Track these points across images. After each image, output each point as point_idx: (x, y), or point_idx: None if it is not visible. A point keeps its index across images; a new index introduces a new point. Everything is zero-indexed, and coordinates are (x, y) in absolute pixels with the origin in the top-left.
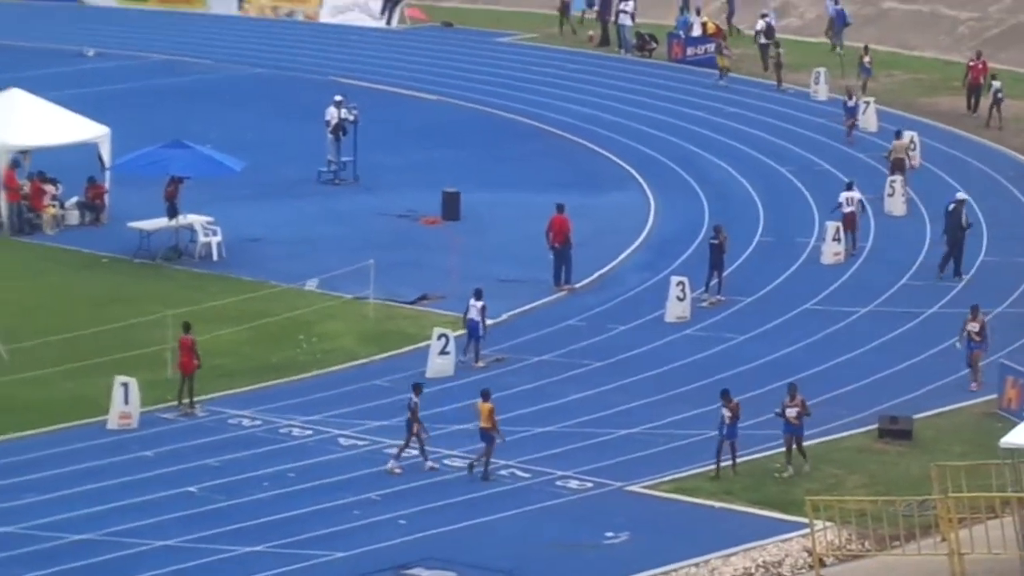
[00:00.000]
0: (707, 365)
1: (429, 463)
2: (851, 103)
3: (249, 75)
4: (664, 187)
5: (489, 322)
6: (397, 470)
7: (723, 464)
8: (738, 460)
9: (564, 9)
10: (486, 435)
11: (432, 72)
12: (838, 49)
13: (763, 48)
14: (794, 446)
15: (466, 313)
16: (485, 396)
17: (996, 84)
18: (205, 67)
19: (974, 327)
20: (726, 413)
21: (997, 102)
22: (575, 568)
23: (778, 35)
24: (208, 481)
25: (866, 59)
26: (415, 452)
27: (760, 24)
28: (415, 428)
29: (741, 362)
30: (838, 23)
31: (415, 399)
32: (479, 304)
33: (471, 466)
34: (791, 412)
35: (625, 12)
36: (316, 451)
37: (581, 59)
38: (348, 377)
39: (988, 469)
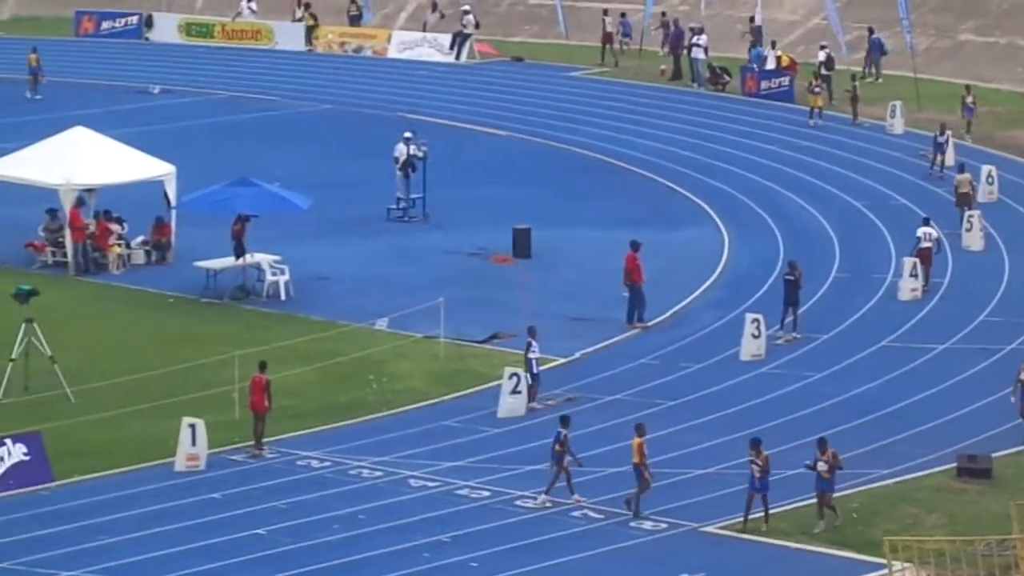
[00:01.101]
0: (782, 403)
1: (575, 497)
2: (941, 139)
3: (317, 112)
4: (738, 223)
5: (560, 361)
6: (548, 504)
7: (752, 516)
8: (771, 512)
9: (607, 40)
10: (637, 470)
11: (502, 107)
12: (867, 78)
13: (825, 80)
14: (826, 503)
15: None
16: (639, 431)
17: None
18: (272, 104)
19: None
20: (755, 466)
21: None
22: None
23: (854, 68)
24: (276, 523)
25: (968, 98)
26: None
27: (821, 56)
28: (565, 461)
29: (817, 400)
30: (875, 52)
31: (564, 432)
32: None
33: (628, 503)
34: (822, 466)
35: (698, 46)
36: (386, 492)
37: (653, 93)
38: (418, 417)
39: None
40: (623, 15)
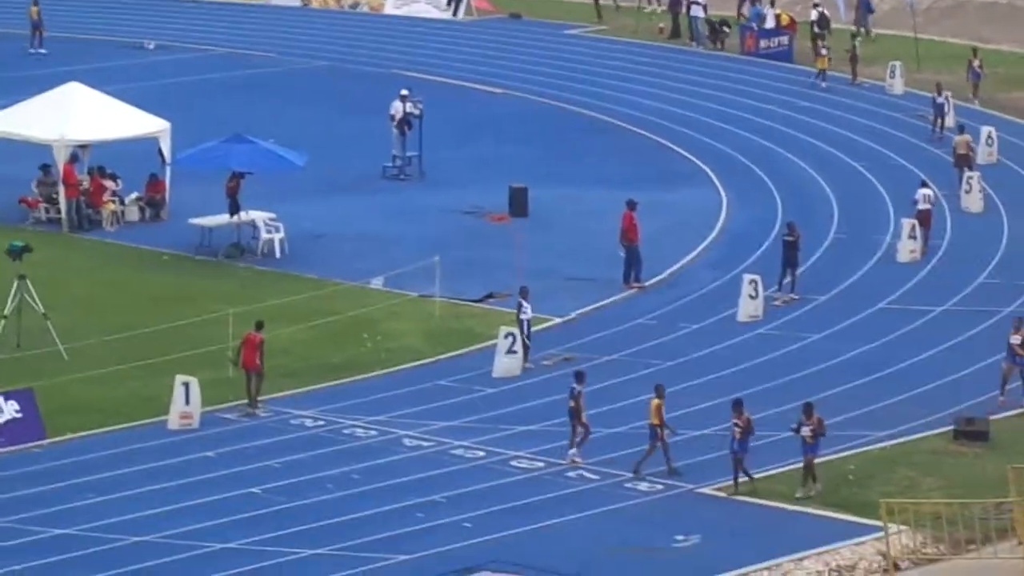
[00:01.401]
0: (780, 365)
1: (573, 451)
2: (940, 99)
3: (312, 68)
4: (736, 183)
5: (556, 320)
6: (578, 459)
7: (741, 480)
8: (754, 476)
9: None
10: (654, 431)
11: (499, 65)
12: (859, 37)
13: (816, 38)
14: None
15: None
16: (658, 392)
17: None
18: (267, 60)
19: (1016, 340)
20: (737, 428)
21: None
22: (645, 572)
23: (854, 28)
24: (271, 482)
25: (976, 62)
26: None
27: (813, 14)
28: (583, 416)
29: (815, 361)
30: (863, 10)
31: (578, 387)
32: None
33: (636, 472)
34: (806, 431)
35: (697, 3)
36: (380, 452)
37: (651, 51)
38: (413, 377)
39: None
40: None
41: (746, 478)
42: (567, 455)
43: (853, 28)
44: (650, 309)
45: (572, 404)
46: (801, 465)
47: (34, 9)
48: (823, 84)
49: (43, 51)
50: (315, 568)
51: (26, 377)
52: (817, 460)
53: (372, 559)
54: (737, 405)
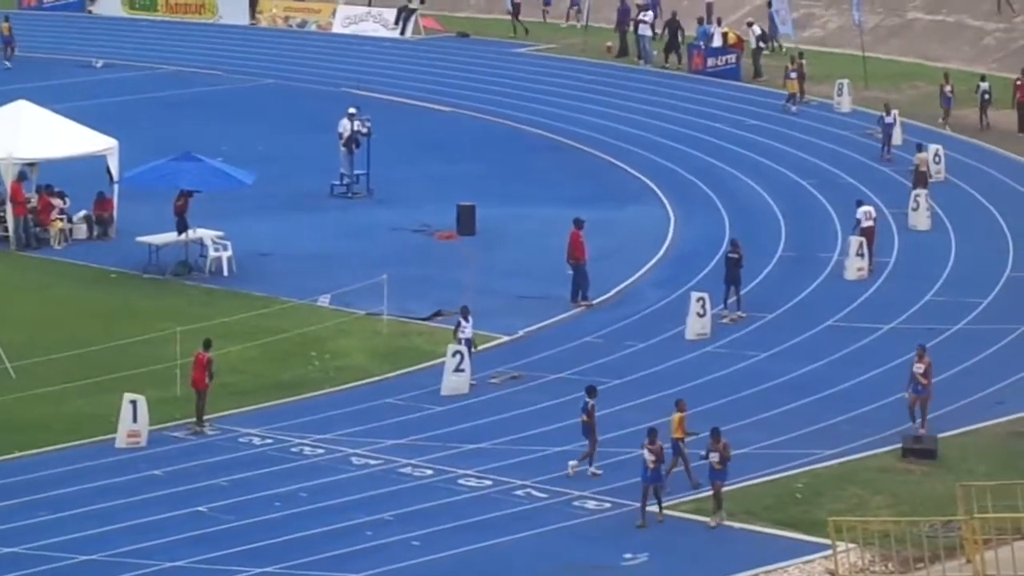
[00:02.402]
0: (728, 383)
1: (592, 469)
2: (888, 119)
3: (260, 86)
4: (684, 201)
5: (504, 339)
6: (596, 471)
7: (649, 508)
8: (663, 506)
9: (515, 11)
10: (676, 445)
11: (447, 83)
12: (766, 51)
13: (759, 53)
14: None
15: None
16: (678, 406)
17: (984, 86)
18: (215, 78)
19: (919, 368)
20: (648, 456)
21: (984, 104)
22: None
23: (800, 46)
24: (218, 501)
25: (947, 87)
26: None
27: (756, 30)
28: (594, 432)
29: (763, 380)
30: (772, 25)
31: (591, 401)
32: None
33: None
34: (714, 457)
35: (644, 22)
36: (328, 470)
37: (599, 70)
38: (361, 395)
39: (1014, 489)
40: None
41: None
42: (587, 471)
43: (804, 47)
44: (598, 327)
45: (585, 419)
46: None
47: (5, 25)
48: (793, 108)
49: (8, 64)
50: None
51: None
52: (770, 478)
53: None
54: (651, 433)
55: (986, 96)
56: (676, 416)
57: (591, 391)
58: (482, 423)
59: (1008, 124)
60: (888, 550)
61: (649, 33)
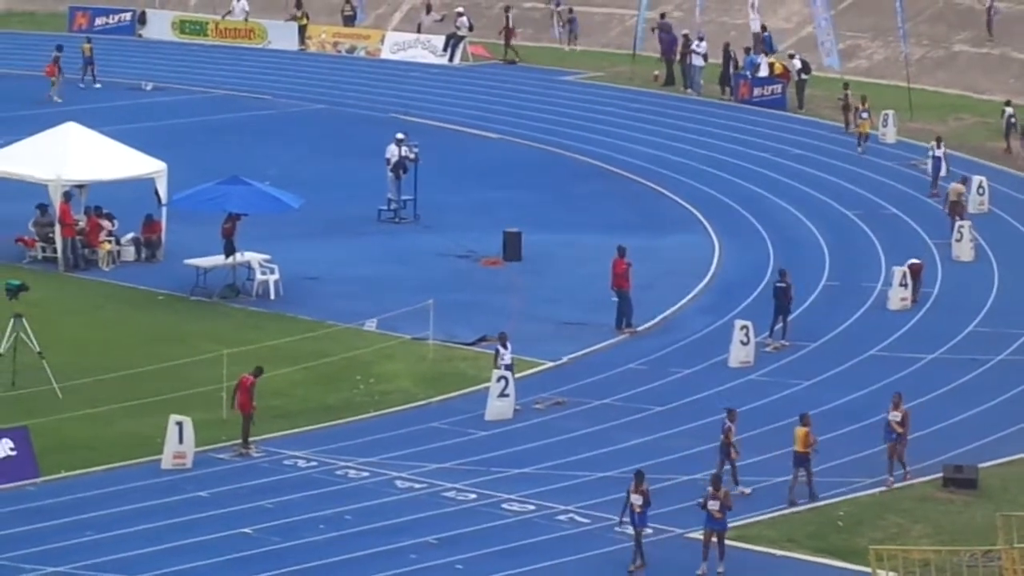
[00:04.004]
0: (770, 411)
1: (740, 488)
2: (938, 152)
3: (309, 111)
4: (729, 230)
5: (549, 364)
6: (747, 491)
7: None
8: (644, 553)
9: (508, 34)
10: (801, 459)
11: (495, 110)
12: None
13: (802, 85)
14: (715, 540)
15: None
16: (803, 420)
17: (1009, 111)
18: (264, 103)
19: (895, 416)
20: (635, 499)
21: (1009, 129)
22: None
23: (846, 77)
24: (263, 523)
25: (1008, 110)
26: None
27: (797, 63)
28: (732, 453)
29: (805, 408)
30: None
31: (730, 424)
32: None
33: (792, 503)
34: (713, 505)
35: (697, 52)
36: (373, 493)
37: (646, 99)
38: (406, 419)
39: None
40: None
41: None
42: (736, 490)
43: (849, 78)
44: (642, 354)
45: (723, 439)
46: (704, 539)
47: (86, 46)
48: (861, 149)
49: (97, 85)
50: None
51: (21, 415)
52: (812, 505)
53: None
54: (638, 476)
55: (1012, 121)
56: (801, 430)
57: (730, 414)
58: (526, 448)
59: None
60: None
61: (701, 63)
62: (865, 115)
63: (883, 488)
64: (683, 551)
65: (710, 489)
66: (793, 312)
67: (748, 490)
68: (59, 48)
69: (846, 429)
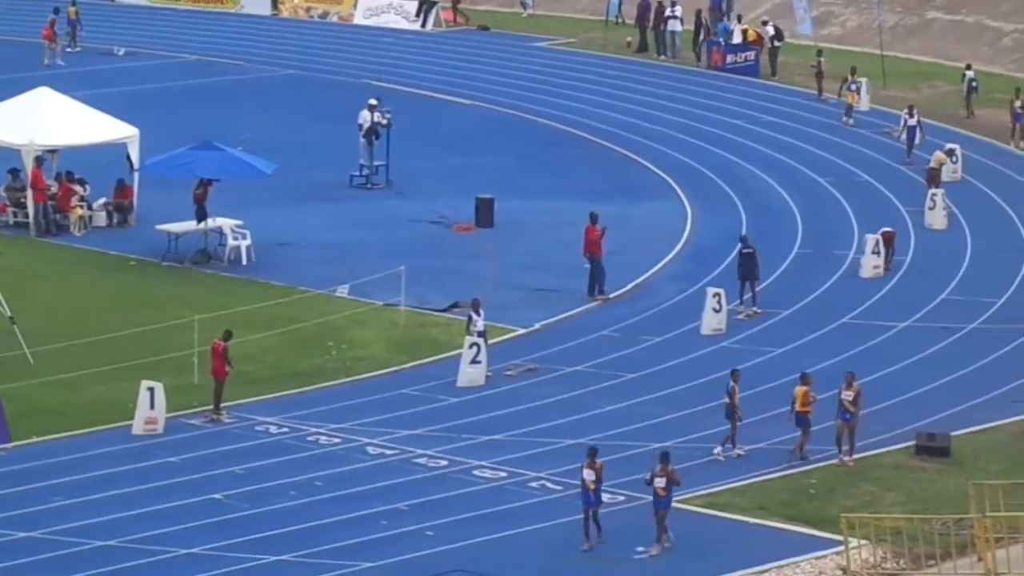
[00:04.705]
0: (743, 378)
1: (736, 450)
2: (912, 121)
3: (281, 77)
4: (701, 197)
5: (521, 331)
6: (740, 452)
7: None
8: (601, 527)
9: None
10: (802, 419)
11: (467, 76)
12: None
13: (774, 52)
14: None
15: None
16: (803, 379)
17: (969, 75)
18: (237, 68)
19: (848, 396)
20: (588, 475)
21: (970, 93)
22: None
23: (819, 44)
24: (234, 488)
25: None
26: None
27: (770, 29)
28: (736, 414)
29: (777, 376)
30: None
31: (734, 384)
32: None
33: (792, 454)
34: (659, 483)
35: (674, 17)
36: (344, 460)
37: (619, 64)
38: (377, 385)
39: None
40: None
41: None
42: (722, 451)
43: (823, 45)
44: (614, 321)
45: (727, 400)
46: (655, 519)
47: (71, 8)
48: (850, 121)
49: (77, 49)
50: (278, 574)
51: None
52: (783, 474)
53: (335, 566)
54: (591, 452)
55: (973, 85)
56: (801, 389)
57: (734, 374)
58: (497, 415)
59: None
60: (900, 547)
61: (678, 28)
62: (854, 86)
63: (836, 462)
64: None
65: (657, 466)
66: (765, 279)
67: (743, 452)
68: (55, 11)
69: (819, 397)
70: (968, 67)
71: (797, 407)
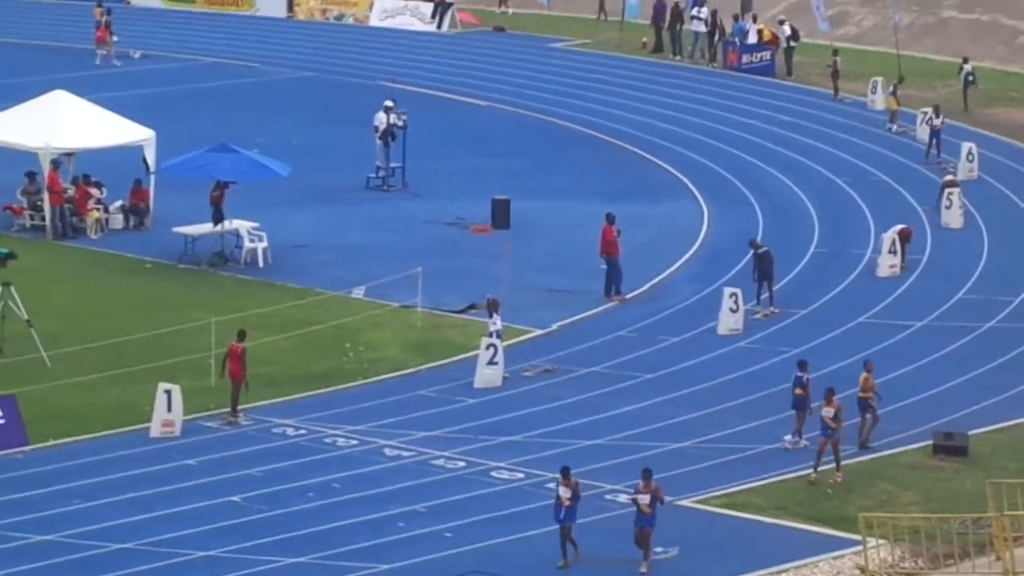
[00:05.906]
0: (759, 378)
1: (804, 442)
2: (937, 122)
3: (297, 79)
4: (718, 197)
5: (538, 332)
6: (806, 443)
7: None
8: (578, 545)
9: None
10: (863, 404)
11: (483, 77)
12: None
13: (789, 52)
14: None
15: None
16: (866, 366)
17: (967, 68)
18: (253, 70)
19: (828, 412)
20: (563, 492)
21: (967, 86)
22: None
23: (835, 44)
24: (251, 491)
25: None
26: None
27: (786, 29)
28: (810, 405)
29: (794, 376)
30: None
31: (804, 376)
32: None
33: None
34: (643, 499)
35: (698, 18)
36: (361, 461)
37: (634, 65)
38: (394, 387)
39: None
40: None
41: (572, 547)
42: (792, 441)
43: (839, 45)
44: (631, 321)
45: (798, 391)
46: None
47: (98, 11)
48: (894, 128)
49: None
50: None
51: (9, 383)
52: (798, 473)
53: (353, 568)
54: (564, 472)
55: (970, 79)
56: (864, 376)
57: (802, 365)
58: (515, 416)
59: None
60: (918, 546)
61: (703, 29)
62: (897, 92)
63: (811, 477)
64: (674, 518)
65: (640, 483)
66: (782, 279)
67: (808, 443)
68: (108, 12)
69: (836, 396)
70: (965, 60)
71: (860, 393)
